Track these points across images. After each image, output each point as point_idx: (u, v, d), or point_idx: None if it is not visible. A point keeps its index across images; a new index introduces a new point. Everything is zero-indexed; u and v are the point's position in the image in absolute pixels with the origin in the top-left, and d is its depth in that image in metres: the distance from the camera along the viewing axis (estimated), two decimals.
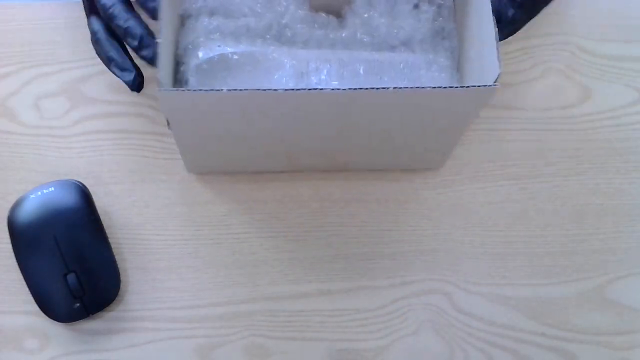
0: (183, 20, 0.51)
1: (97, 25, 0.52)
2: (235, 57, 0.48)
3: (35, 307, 0.52)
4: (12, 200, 0.54)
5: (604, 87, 0.60)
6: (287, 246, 0.55)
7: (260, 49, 0.49)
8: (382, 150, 0.53)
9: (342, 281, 0.54)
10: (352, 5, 0.50)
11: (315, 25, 0.50)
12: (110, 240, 0.54)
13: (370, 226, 0.56)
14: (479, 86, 0.43)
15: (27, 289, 0.52)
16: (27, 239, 0.52)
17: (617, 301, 0.54)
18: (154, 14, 0.48)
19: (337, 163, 0.55)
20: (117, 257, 0.54)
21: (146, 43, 0.48)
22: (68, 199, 0.53)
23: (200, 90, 0.43)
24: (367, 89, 0.43)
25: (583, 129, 0.59)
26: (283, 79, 0.49)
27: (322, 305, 0.54)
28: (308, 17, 0.50)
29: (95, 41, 0.52)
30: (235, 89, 0.42)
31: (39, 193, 0.53)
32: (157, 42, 0.44)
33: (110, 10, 0.50)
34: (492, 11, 0.44)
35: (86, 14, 0.53)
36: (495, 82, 0.42)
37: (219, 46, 0.48)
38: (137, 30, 0.49)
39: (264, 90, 0.42)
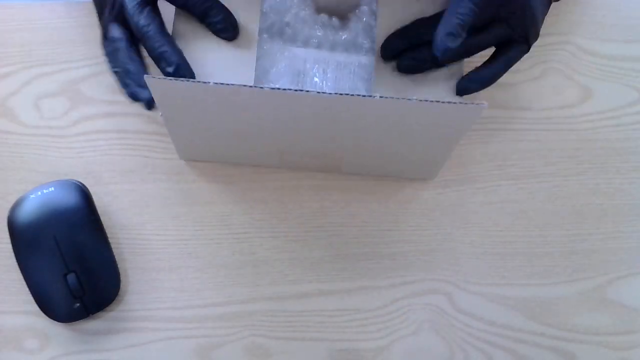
0: None
1: (118, 32, 0.49)
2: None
3: (35, 307, 0.52)
4: (12, 200, 0.54)
5: (604, 87, 0.60)
6: (287, 246, 0.55)
7: (260, 44, 0.49)
8: (371, 156, 0.53)
9: (342, 281, 0.54)
10: (357, 11, 0.50)
11: (317, 26, 0.50)
12: (110, 240, 0.54)
13: (370, 226, 0.56)
14: (465, 103, 0.43)
15: (27, 289, 0.52)
16: (27, 239, 0.52)
17: (617, 301, 0.54)
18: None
19: (329, 165, 0.55)
20: (117, 257, 0.54)
21: (182, 73, 0.47)
22: (68, 199, 0.53)
23: (188, 80, 0.43)
24: (352, 95, 0.43)
25: (583, 129, 0.59)
26: (278, 77, 0.49)
27: (322, 305, 0.54)
28: (311, 17, 0.50)
29: (115, 50, 0.49)
30: (222, 83, 0.43)
31: (39, 193, 0.53)
32: (193, 74, 0.45)
33: (145, 30, 0.47)
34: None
35: (99, 16, 0.51)
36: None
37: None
38: (174, 57, 0.46)
39: (250, 86, 0.43)
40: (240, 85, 0.43)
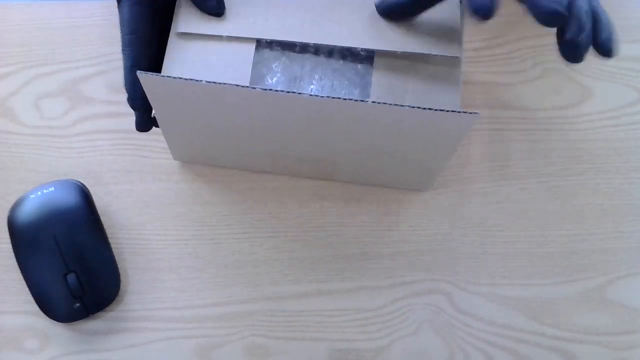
0: None
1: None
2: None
3: (35, 307, 0.52)
4: (12, 200, 0.54)
5: (604, 87, 0.60)
6: (287, 246, 0.55)
7: (257, 48, 0.49)
8: (365, 164, 0.53)
9: (342, 281, 0.54)
10: None
11: None
12: (110, 240, 0.54)
13: (370, 226, 0.56)
14: (458, 112, 0.43)
15: (27, 289, 0.52)
16: (27, 239, 0.52)
17: (617, 301, 0.54)
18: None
19: (322, 172, 0.55)
20: (117, 257, 0.54)
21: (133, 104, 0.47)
22: (68, 199, 0.53)
23: (179, 78, 0.43)
24: (344, 99, 0.43)
25: (583, 129, 0.59)
26: (273, 79, 0.49)
27: (322, 305, 0.54)
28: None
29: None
30: (214, 82, 0.43)
31: (39, 193, 0.53)
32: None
33: (122, 33, 0.46)
34: None
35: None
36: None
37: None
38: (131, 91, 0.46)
39: (241, 86, 0.43)
40: (232, 84, 0.43)
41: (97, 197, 0.55)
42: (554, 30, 0.54)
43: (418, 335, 0.53)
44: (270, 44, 0.48)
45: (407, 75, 0.47)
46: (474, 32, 0.61)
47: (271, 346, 0.53)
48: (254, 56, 0.48)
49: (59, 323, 0.52)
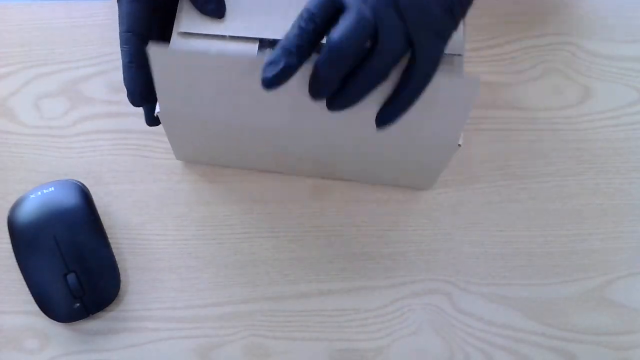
0: None
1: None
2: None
3: (35, 307, 0.52)
4: (12, 200, 0.54)
5: (604, 87, 0.60)
6: (287, 246, 0.55)
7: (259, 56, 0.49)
8: (367, 163, 0.53)
9: (342, 281, 0.54)
10: None
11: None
12: (110, 240, 0.54)
13: (370, 226, 0.56)
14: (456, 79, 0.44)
15: (27, 289, 0.52)
16: (27, 239, 0.52)
17: (617, 301, 0.54)
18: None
19: (324, 170, 0.55)
20: (117, 257, 0.54)
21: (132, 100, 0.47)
22: (68, 199, 0.53)
23: (189, 51, 0.44)
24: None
25: (583, 129, 0.59)
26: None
27: (322, 305, 0.54)
28: None
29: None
30: (223, 54, 0.45)
31: (39, 193, 0.53)
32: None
33: (120, 32, 0.47)
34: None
35: None
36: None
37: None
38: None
39: (251, 57, 0.44)
40: (240, 55, 0.43)
41: (97, 197, 0.55)
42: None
43: (418, 335, 0.53)
44: (273, 44, 0.48)
45: None
46: (474, 33, 0.61)
47: (271, 346, 0.53)
48: (257, 58, 0.48)
49: (59, 323, 0.52)
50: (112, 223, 0.55)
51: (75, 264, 0.52)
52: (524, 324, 0.54)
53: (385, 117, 0.43)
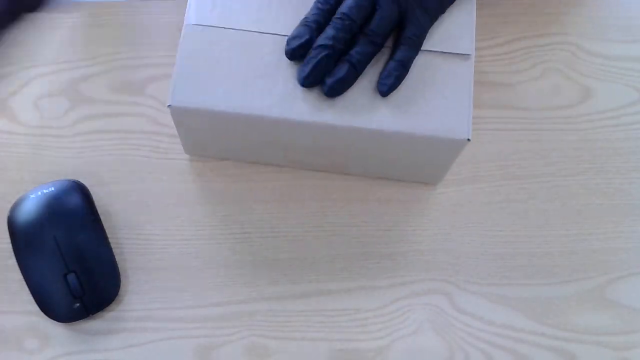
0: None
1: None
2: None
3: (35, 307, 0.52)
4: (12, 200, 0.54)
5: (604, 87, 0.60)
6: (287, 246, 0.55)
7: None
8: (375, 162, 0.54)
9: (342, 281, 0.54)
10: None
11: None
12: (110, 240, 0.54)
13: (370, 226, 0.56)
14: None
15: (27, 289, 0.52)
16: (27, 239, 0.52)
17: (617, 301, 0.54)
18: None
19: (334, 166, 0.55)
20: (117, 257, 0.54)
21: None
22: (68, 198, 0.53)
23: (223, 27, 0.49)
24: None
25: (583, 129, 0.59)
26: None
27: (322, 305, 0.54)
28: None
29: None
30: (246, 29, 0.49)
31: (39, 193, 0.53)
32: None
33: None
34: None
35: None
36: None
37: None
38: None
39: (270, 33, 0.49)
40: (264, 31, 0.49)
41: (97, 197, 0.55)
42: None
43: (418, 335, 0.53)
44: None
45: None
46: None
47: (271, 346, 0.53)
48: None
49: (59, 323, 0.52)
50: (112, 223, 0.55)
51: (75, 264, 0.51)
52: (523, 324, 0.54)
53: (385, 81, 0.48)
